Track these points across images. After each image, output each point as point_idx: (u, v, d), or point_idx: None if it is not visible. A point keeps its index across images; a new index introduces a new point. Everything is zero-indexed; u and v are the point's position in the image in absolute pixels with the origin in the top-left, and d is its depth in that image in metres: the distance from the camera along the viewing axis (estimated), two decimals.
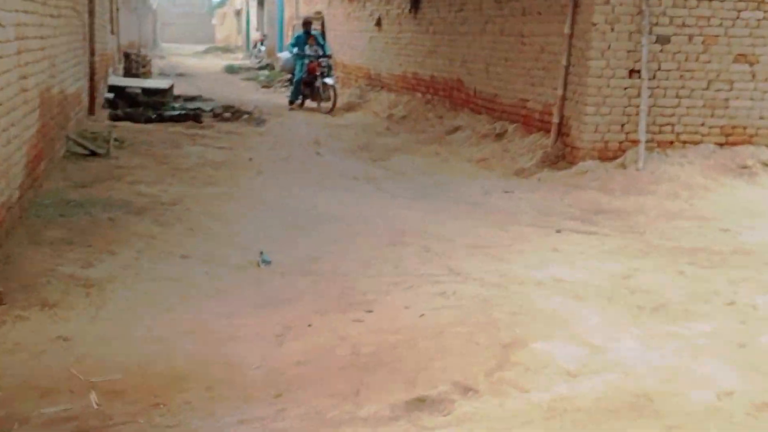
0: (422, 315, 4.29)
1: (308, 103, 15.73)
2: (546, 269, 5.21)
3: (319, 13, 21.16)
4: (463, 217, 6.76)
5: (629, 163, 8.23)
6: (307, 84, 15.51)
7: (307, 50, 15.55)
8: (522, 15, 10.09)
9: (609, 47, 8.38)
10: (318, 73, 15.18)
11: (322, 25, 20.24)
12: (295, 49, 15.68)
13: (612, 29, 8.35)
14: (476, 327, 4.10)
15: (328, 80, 15.06)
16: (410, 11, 14.31)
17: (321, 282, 4.88)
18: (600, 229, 6.44)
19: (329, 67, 15.57)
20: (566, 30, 8.85)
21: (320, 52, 15.47)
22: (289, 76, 17.75)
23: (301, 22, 18.08)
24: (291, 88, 16.19)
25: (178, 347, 3.79)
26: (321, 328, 4.09)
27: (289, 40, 26.46)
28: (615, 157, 8.44)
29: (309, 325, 4.13)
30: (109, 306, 4.28)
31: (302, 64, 15.48)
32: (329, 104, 14.90)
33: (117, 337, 3.87)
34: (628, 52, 8.39)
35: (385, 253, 5.56)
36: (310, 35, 15.65)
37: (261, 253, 5.31)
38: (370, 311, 4.36)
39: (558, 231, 6.31)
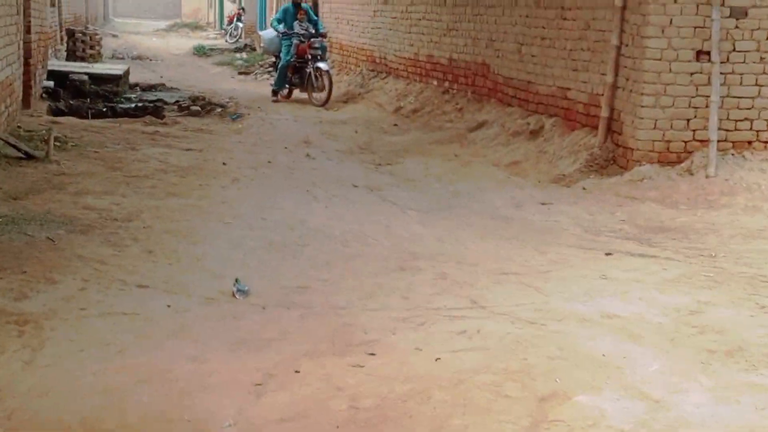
0: (438, 359, 4.29)
1: (297, 93, 15.80)
2: (593, 302, 5.20)
3: None
4: (489, 235, 6.76)
5: (697, 169, 8.24)
6: (296, 70, 15.45)
7: (296, 27, 15.44)
8: None
9: (671, 23, 8.40)
10: (309, 57, 15.11)
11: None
12: (281, 26, 15.64)
13: (675, 0, 8.38)
14: (505, 375, 4.09)
15: (322, 65, 15.00)
16: None
17: (311, 317, 4.88)
18: (660, 251, 6.44)
19: (323, 49, 15.47)
20: (617, 2, 8.88)
21: (312, 30, 15.41)
22: (273, 59, 17.71)
23: None
24: (275, 74, 16.21)
25: (132, 399, 3.79)
26: (311, 376, 4.09)
27: (273, 14, 26.58)
28: (679, 161, 8.44)
29: (296, 372, 4.13)
30: (47, 348, 4.28)
31: (290, 45, 15.42)
32: (323, 95, 15.00)
33: (57, 388, 3.87)
34: (695, 28, 8.41)
35: (392, 281, 5.56)
36: (300, 8, 15.66)
37: (236, 280, 5.32)
38: (373, 354, 4.36)
39: (608, 254, 6.31)
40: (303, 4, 15.93)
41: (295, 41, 15.34)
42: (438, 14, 13.93)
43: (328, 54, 15.96)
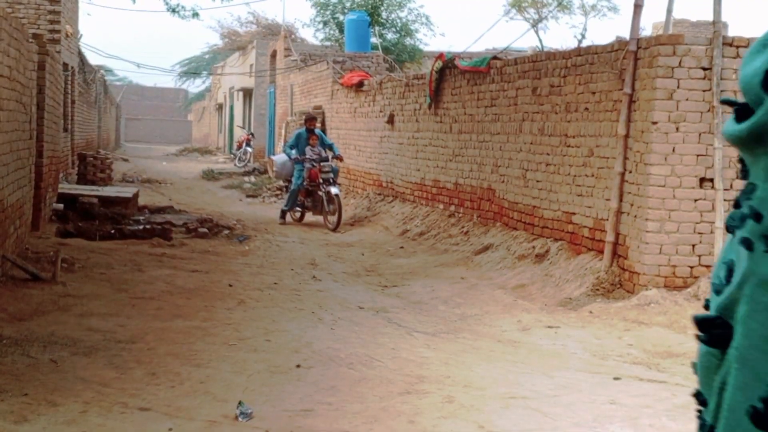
0: None
1: (309, 216, 16.12)
2: (602, 428, 5.11)
3: (318, 107, 21.75)
4: (497, 359, 6.70)
5: (704, 294, 8.21)
6: (308, 194, 15.72)
7: (308, 153, 15.70)
8: (566, 111, 10.34)
9: (673, 150, 8.53)
10: (321, 180, 15.30)
11: (323, 122, 20.76)
12: (294, 152, 15.83)
13: (677, 129, 8.52)
14: None
15: (333, 189, 15.16)
16: (429, 106, 14.69)
17: None
18: (670, 377, 6.36)
19: (335, 173, 15.70)
20: (620, 130, 9.03)
21: (324, 154, 15.77)
22: (282, 183, 18.21)
23: (302, 118, 18.48)
24: (285, 197, 16.60)
25: None
26: None
27: (282, 140, 27.11)
28: (685, 286, 8.43)
29: None
30: None
31: (302, 170, 15.68)
32: (335, 218, 15.20)
33: None
34: (698, 156, 8.53)
35: (398, 405, 5.48)
36: (312, 134, 15.87)
37: (240, 404, 5.25)
38: None
39: (616, 378, 6.24)
40: (316, 130, 16.05)
41: (307, 165, 15.53)
42: (444, 140, 14.17)
43: (336, 178, 15.99)
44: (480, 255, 11.27)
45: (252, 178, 25.31)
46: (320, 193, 15.25)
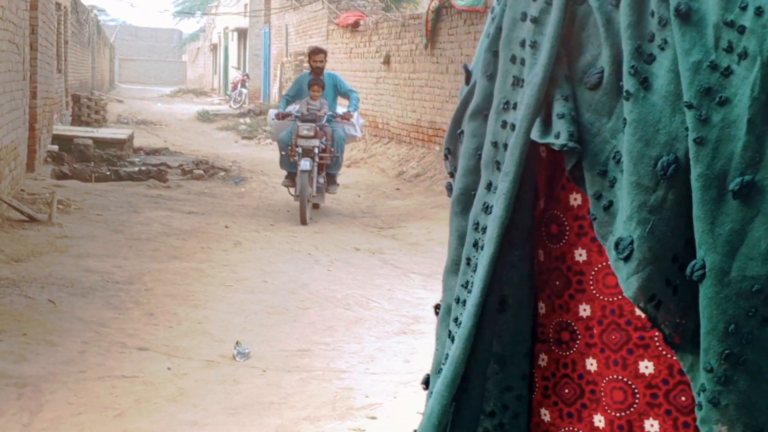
0: None
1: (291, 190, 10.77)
2: None
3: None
4: None
5: None
6: (291, 171, 10.45)
7: (301, 106, 10.47)
8: None
9: None
10: (296, 150, 10.12)
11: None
12: (280, 108, 10.89)
13: None
14: None
15: (303, 164, 9.87)
16: (426, 47, 14.58)
17: (312, 381, 4.84)
18: None
19: (338, 140, 10.51)
20: None
21: (325, 110, 10.41)
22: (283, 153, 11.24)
23: (298, 59, 17.95)
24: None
25: None
26: None
27: (277, 82, 26.80)
28: None
29: None
30: (45, 411, 4.25)
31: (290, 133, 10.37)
32: (319, 197, 10.59)
33: None
34: None
35: (393, 345, 5.53)
36: (318, 79, 10.52)
37: (237, 343, 5.30)
38: (374, 418, 4.32)
39: None
40: (325, 73, 10.72)
41: (297, 124, 10.22)
42: (440, 81, 14.09)
43: (340, 155, 10.70)
44: None
45: (247, 120, 25.20)
46: (314, 175, 10.12)
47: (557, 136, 1.12)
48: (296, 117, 10.29)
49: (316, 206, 10.58)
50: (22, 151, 10.83)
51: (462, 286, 1.23)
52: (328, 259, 8.02)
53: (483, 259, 1.16)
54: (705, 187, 1.01)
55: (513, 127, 1.17)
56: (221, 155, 16.64)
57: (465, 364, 1.18)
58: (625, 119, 1.09)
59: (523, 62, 1.18)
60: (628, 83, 1.08)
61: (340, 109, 10.85)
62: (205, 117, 27.46)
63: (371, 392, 4.67)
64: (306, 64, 13.21)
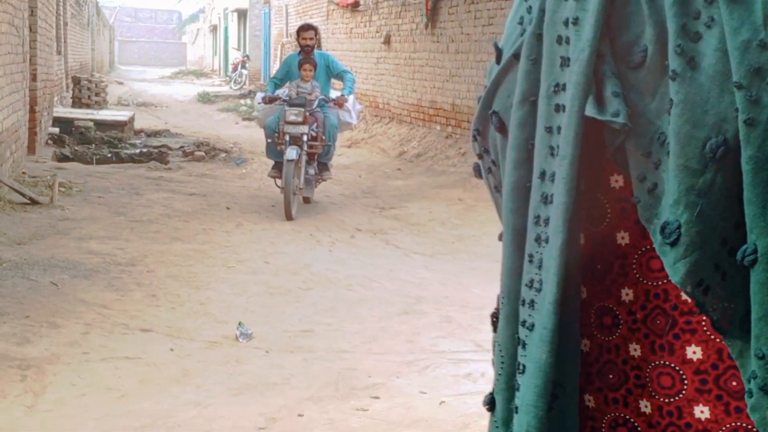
0: (442, 403, 4.25)
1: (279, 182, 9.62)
2: None
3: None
4: (495, 279, 6.72)
5: None
6: (279, 161, 9.35)
7: (289, 89, 9.55)
8: None
9: None
10: (284, 138, 9.04)
11: (318, 44, 20.48)
12: (268, 92, 9.79)
13: None
14: None
15: (289, 153, 8.92)
16: (426, 26, 14.53)
17: (314, 361, 4.86)
18: None
19: (330, 127, 9.47)
20: None
21: (317, 93, 9.37)
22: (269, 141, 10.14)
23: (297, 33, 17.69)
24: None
25: None
26: (314, 420, 4.06)
27: (278, 63, 26.69)
28: None
29: (299, 416, 4.10)
30: (49, 393, 4.26)
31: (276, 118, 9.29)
32: (308, 190, 9.52)
33: None
34: None
35: (396, 325, 5.54)
36: (308, 59, 9.48)
37: (240, 324, 5.31)
38: (377, 398, 4.33)
39: None
40: (316, 52, 9.73)
41: (285, 109, 9.15)
42: (441, 61, 14.05)
43: (332, 144, 9.66)
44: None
45: (248, 101, 25.13)
46: (303, 165, 9.09)
47: (615, 115, 1.08)
48: (284, 101, 9.25)
49: (306, 200, 9.65)
50: (22, 133, 10.83)
51: (527, 285, 1.18)
52: (329, 240, 8.02)
53: (552, 251, 1.11)
54: (756, 169, 0.99)
55: (564, 108, 1.14)
56: (222, 137, 16.62)
57: (554, 367, 1.12)
58: (671, 100, 1.06)
59: (568, 41, 1.14)
60: (674, 63, 1.05)
61: (334, 93, 9.86)
62: (205, 98, 27.41)
63: (374, 372, 4.68)
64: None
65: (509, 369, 1.19)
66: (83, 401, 4.18)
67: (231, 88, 31.87)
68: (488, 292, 6.33)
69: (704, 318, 1.10)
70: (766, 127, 1.00)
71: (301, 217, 9.05)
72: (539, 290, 1.14)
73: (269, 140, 9.34)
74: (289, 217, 8.78)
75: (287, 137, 9.00)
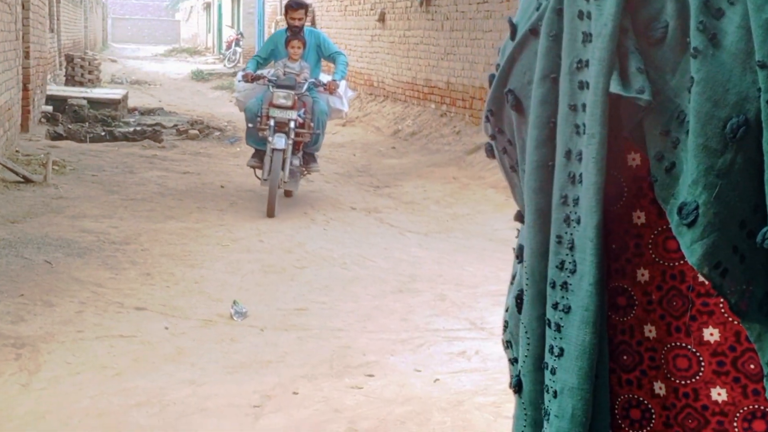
0: (436, 380, 4.27)
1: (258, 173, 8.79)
2: None
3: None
4: (488, 258, 6.75)
5: None
6: (260, 149, 8.50)
7: (277, 69, 8.61)
8: None
9: None
10: (267, 123, 8.12)
11: (312, 22, 20.41)
12: (248, 69, 8.68)
13: None
14: (505, 396, 4.07)
15: (277, 141, 8.06)
16: (421, 4, 14.48)
17: (309, 339, 4.87)
18: None
19: (321, 114, 8.51)
20: None
21: (305, 75, 8.43)
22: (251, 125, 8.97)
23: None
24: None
25: (129, 422, 3.77)
26: (309, 398, 4.07)
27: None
28: None
29: (294, 394, 4.11)
30: (43, 371, 4.27)
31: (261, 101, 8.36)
32: (293, 183, 8.49)
33: (53, 411, 3.85)
34: None
35: (390, 303, 5.55)
36: (296, 36, 8.57)
37: (234, 303, 5.31)
38: (371, 376, 4.34)
39: None
40: (306, 30, 8.75)
41: (270, 90, 8.25)
42: (435, 39, 14.00)
43: (321, 132, 8.66)
44: (472, 155, 11.25)
45: None
46: (288, 155, 8.14)
47: (640, 92, 1.07)
48: (270, 82, 8.28)
49: (288, 194, 8.76)
50: (15, 111, 10.78)
51: (557, 267, 1.14)
52: (324, 218, 8.02)
53: (588, 232, 1.09)
54: None
55: (588, 85, 1.12)
56: (216, 115, 16.58)
57: (597, 349, 1.11)
58: (691, 78, 1.04)
59: (589, 16, 1.12)
60: (696, 40, 1.03)
61: (324, 77, 8.81)
62: (199, 76, 27.31)
63: (368, 350, 4.70)
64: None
65: (536, 351, 1.18)
66: (78, 379, 4.19)
67: (225, 66, 31.76)
68: (482, 270, 6.36)
69: (722, 300, 1.09)
70: None
71: (295, 196, 9.05)
72: (573, 271, 1.12)
73: (250, 125, 8.39)
74: (271, 214, 7.87)
75: (272, 122, 8.07)
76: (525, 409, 1.20)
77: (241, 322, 5.12)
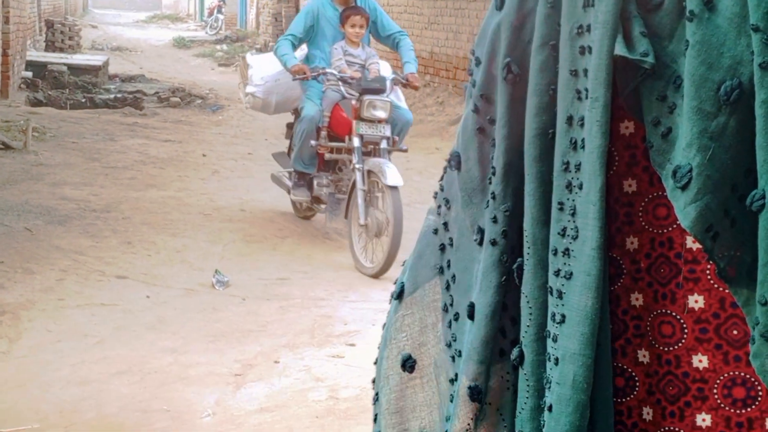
0: None
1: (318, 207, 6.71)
2: None
3: None
4: None
5: None
6: (326, 164, 6.33)
7: (336, 56, 6.18)
8: None
9: None
10: (354, 139, 5.90)
11: None
12: (294, 55, 6.24)
13: None
14: None
15: (388, 172, 5.72)
16: None
17: (291, 309, 4.88)
18: None
19: (402, 124, 6.26)
20: None
21: (376, 68, 6.38)
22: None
23: None
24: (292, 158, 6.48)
25: (110, 390, 3.78)
26: (290, 367, 4.09)
27: (254, 9, 26.41)
28: None
29: (275, 363, 4.13)
30: (24, 339, 4.27)
31: (319, 96, 6.22)
32: (383, 251, 5.63)
33: (34, 379, 3.86)
34: None
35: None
36: (355, 10, 6.19)
37: (216, 272, 5.31)
38: (353, 345, 4.36)
39: None
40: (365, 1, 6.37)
41: (331, 90, 6.17)
42: (419, 8, 13.94)
43: (400, 127, 6.27)
44: (455, 125, 11.25)
45: (224, 47, 24.87)
46: (353, 169, 5.95)
47: (644, 55, 1.07)
48: (339, 79, 6.00)
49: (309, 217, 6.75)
50: None
51: (558, 234, 1.14)
52: None
53: (590, 197, 1.09)
54: None
55: (590, 50, 1.12)
56: (198, 83, 16.46)
57: (599, 314, 1.09)
58: (687, 42, 1.05)
59: None
60: (692, 3, 1.03)
61: (385, 66, 6.50)
62: (181, 43, 27.08)
63: (350, 320, 4.72)
64: None
65: (539, 320, 1.17)
66: (59, 347, 4.19)
67: (207, 33, 31.48)
68: None
69: (708, 267, 1.10)
70: None
71: (278, 165, 9.01)
72: (575, 237, 1.12)
73: (312, 142, 6.05)
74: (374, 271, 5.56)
75: (356, 142, 5.86)
76: (527, 379, 1.19)
77: (222, 291, 5.13)
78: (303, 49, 6.39)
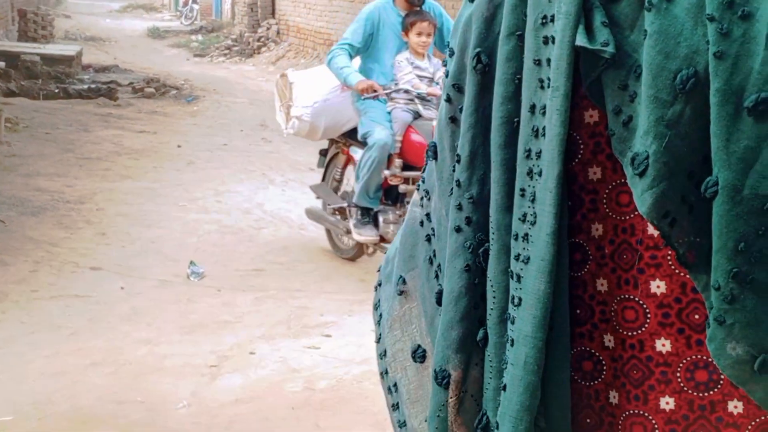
0: None
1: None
2: None
3: None
4: None
5: None
6: (388, 193, 5.55)
7: (404, 69, 5.40)
8: None
9: None
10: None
11: None
12: (353, 70, 5.42)
13: None
14: None
15: None
16: None
17: (266, 300, 4.88)
18: None
19: None
20: None
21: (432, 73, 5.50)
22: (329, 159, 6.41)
23: None
24: (360, 184, 5.41)
25: (84, 382, 3.77)
26: (266, 358, 4.10)
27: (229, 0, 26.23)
28: None
29: (251, 354, 4.13)
30: None
31: (387, 115, 5.40)
32: None
33: (7, 371, 3.84)
34: None
35: (348, 264, 5.58)
36: (421, 16, 5.37)
37: (191, 263, 5.31)
38: (329, 336, 4.37)
39: None
40: (432, 6, 5.55)
41: (401, 111, 5.35)
42: None
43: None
44: None
45: (199, 37, 24.76)
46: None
47: (605, 44, 1.09)
48: (416, 96, 5.32)
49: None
50: None
51: (519, 219, 1.16)
52: (282, 179, 8.01)
53: (548, 183, 1.11)
54: (722, 102, 1.00)
55: (554, 40, 1.14)
56: (173, 73, 16.38)
57: (552, 298, 1.12)
58: (645, 31, 1.07)
59: None
60: None
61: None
62: (155, 33, 26.91)
63: (326, 311, 4.72)
64: None
65: (501, 303, 1.20)
66: (33, 339, 4.18)
67: (182, 23, 31.29)
68: None
69: (670, 252, 1.12)
70: (734, 61, 1.00)
71: (253, 156, 9.00)
72: (533, 223, 1.14)
73: (386, 172, 5.33)
74: None
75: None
76: (491, 360, 1.22)
77: (197, 282, 5.12)
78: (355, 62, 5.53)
